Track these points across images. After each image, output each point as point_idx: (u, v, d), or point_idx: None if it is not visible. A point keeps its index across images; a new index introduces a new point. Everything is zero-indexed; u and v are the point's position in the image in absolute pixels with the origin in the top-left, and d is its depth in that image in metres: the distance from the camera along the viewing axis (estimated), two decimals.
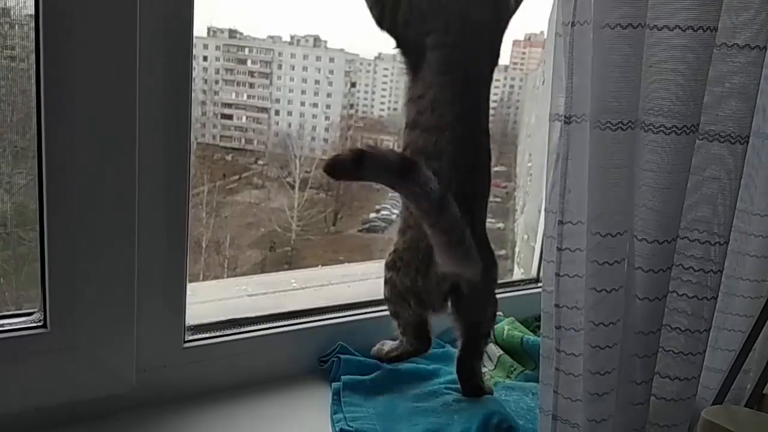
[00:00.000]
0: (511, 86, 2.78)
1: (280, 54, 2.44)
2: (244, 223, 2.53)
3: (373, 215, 3.21)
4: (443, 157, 0.95)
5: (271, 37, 2.43)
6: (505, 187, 3.46)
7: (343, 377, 1.00)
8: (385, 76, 2.63)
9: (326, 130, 2.61)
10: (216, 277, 2.15)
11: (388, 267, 1.00)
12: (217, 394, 0.98)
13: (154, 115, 0.87)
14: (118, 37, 0.81)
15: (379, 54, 2.63)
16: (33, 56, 1.49)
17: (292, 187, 2.65)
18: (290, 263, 2.78)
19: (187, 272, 0.93)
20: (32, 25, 1.49)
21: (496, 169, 3.21)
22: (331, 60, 2.49)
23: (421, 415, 0.96)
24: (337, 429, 0.91)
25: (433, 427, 0.93)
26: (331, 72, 2.50)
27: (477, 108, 0.99)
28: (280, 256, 2.69)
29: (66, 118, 0.81)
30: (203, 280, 1.86)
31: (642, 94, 0.73)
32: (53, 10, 0.77)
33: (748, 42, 0.73)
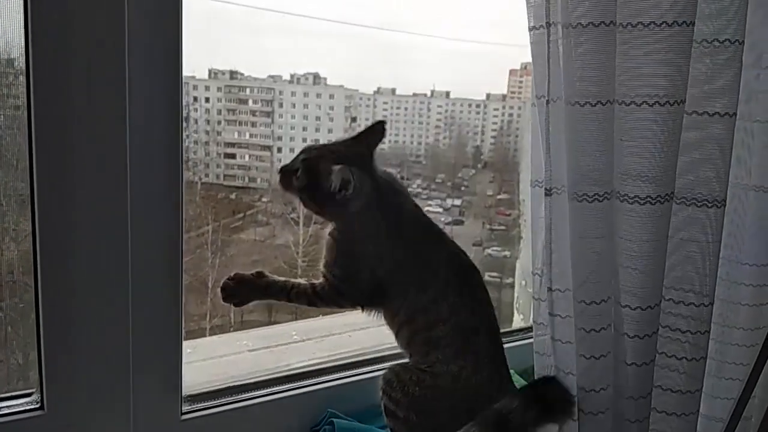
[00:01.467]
0: (510, 114, 2.81)
1: (280, 92, 2.49)
2: (250, 261, 2.56)
3: None
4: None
5: (272, 77, 2.48)
6: (509, 215, 3.48)
7: None
8: (385, 109, 2.66)
9: None
10: (222, 316, 2.17)
11: None
12: None
13: (147, 172, 0.85)
14: (108, 80, 0.80)
15: (378, 88, 2.67)
16: None
17: (297, 223, 2.68)
18: None
19: (182, 341, 0.93)
20: None
21: (499, 197, 3.23)
22: (331, 96, 2.54)
23: None
24: None
25: None
26: (332, 108, 2.54)
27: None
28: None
29: (61, 191, 0.81)
30: (210, 320, 1.89)
31: (616, 164, 0.75)
32: (43, 58, 0.77)
33: (718, 110, 0.75)
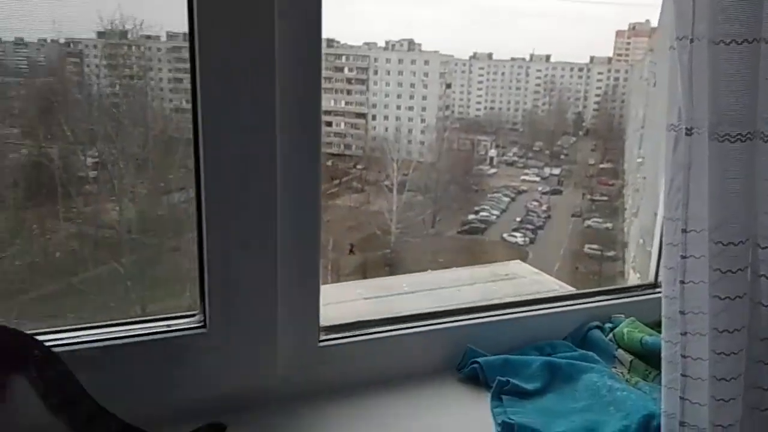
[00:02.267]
0: (616, 79, 2.66)
1: (375, 60, 2.49)
2: (345, 227, 2.59)
3: (472, 216, 3.18)
4: None
5: (367, 44, 2.48)
6: (612, 185, 3.32)
7: (498, 377, 1.02)
8: (481, 75, 2.61)
9: (422, 132, 2.62)
10: (322, 281, 2.21)
11: None
12: (353, 390, 1.04)
13: (291, 132, 0.90)
14: (258, 48, 0.85)
15: (474, 53, 2.61)
16: (150, 74, 1.61)
17: (391, 190, 2.69)
18: (391, 265, 2.81)
19: (320, 278, 0.99)
20: (148, 45, 1.61)
21: (602, 165, 3.09)
22: (426, 62, 2.51)
23: (578, 410, 0.96)
24: (499, 421, 0.93)
25: (590, 423, 0.93)
26: (426, 74, 2.52)
27: None
28: (380, 258, 2.73)
29: (220, 138, 0.88)
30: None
31: (760, 104, 0.69)
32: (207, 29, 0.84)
33: None
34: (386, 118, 2.53)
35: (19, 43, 1.35)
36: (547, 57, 2.69)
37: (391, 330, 1.09)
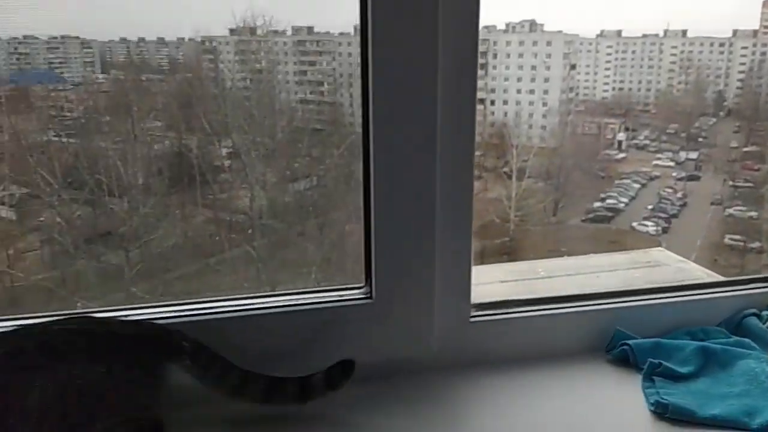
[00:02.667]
0: (763, 53, 2.40)
1: (495, 43, 2.43)
2: None
3: (597, 204, 3.04)
4: None
5: (486, 27, 2.43)
6: (757, 170, 3.01)
7: (650, 359, 1.00)
8: (609, 54, 2.46)
9: (544, 116, 2.53)
10: None
11: None
12: (501, 365, 1.09)
13: (448, 116, 0.97)
14: (423, 41, 0.94)
15: (602, 31, 2.47)
16: (278, 67, 1.68)
17: (510, 177, 2.63)
18: (509, 254, 2.76)
19: (471, 258, 1.06)
20: (275, 40, 1.69)
21: (745, 149, 2.81)
22: (548, 43, 2.41)
23: (735, 395, 0.94)
24: (652, 401, 0.94)
25: (748, 408, 0.90)
26: (549, 56, 2.42)
27: None
28: (498, 246, 2.69)
29: (387, 123, 0.95)
30: None
31: None
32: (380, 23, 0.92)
33: None
34: (505, 102, 2.47)
35: (160, 42, 1.46)
36: (684, 32, 2.48)
37: (538, 309, 1.13)
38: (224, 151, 1.56)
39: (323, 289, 1.08)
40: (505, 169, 2.64)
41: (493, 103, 2.50)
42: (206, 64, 1.53)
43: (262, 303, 1.04)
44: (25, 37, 1.34)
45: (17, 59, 1.38)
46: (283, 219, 1.60)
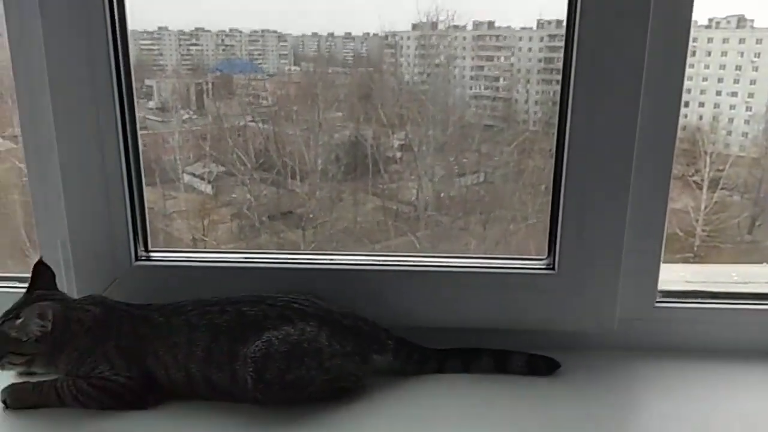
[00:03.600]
0: None
1: (695, 40, 2.22)
2: None
3: None
4: None
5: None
6: None
7: None
8: None
9: (746, 122, 2.27)
10: None
11: None
12: (683, 354, 1.09)
13: (649, 113, 0.99)
14: (631, 37, 0.96)
15: None
16: (455, 62, 1.70)
17: (699, 187, 2.40)
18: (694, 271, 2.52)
19: (663, 248, 1.07)
20: (455, 35, 1.70)
21: None
22: (758, 41, 2.15)
23: None
24: None
25: None
26: (757, 55, 2.16)
27: None
28: (679, 261, 2.47)
29: (588, 115, 1.00)
30: None
31: None
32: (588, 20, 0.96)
33: None
34: (702, 105, 2.26)
35: (347, 37, 1.54)
36: None
37: (728, 303, 1.11)
38: (397, 142, 1.62)
39: (505, 257, 1.14)
40: (695, 178, 2.41)
41: (687, 104, 2.29)
42: (387, 58, 1.59)
43: (446, 262, 1.12)
44: (230, 30, 1.50)
45: (223, 50, 1.55)
46: (447, 212, 1.62)
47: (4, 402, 1.00)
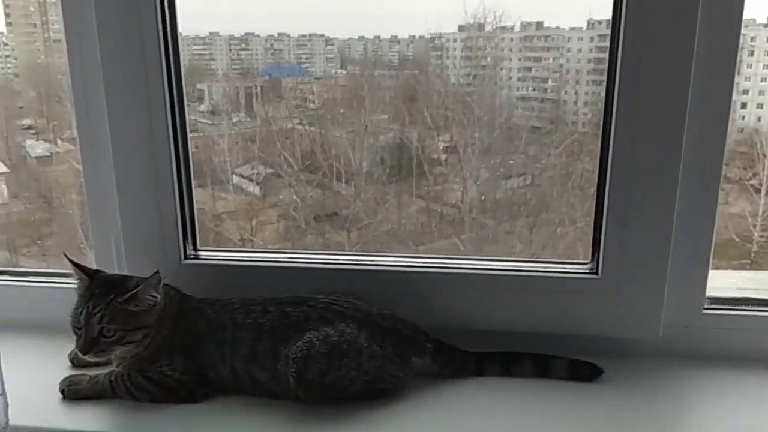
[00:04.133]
0: None
1: (752, 39, 2.14)
2: None
3: None
4: None
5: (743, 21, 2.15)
6: None
7: None
8: None
9: None
10: None
11: None
12: (731, 363, 1.06)
13: (698, 115, 0.98)
14: (679, 39, 0.95)
15: None
16: (502, 63, 1.69)
17: (758, 191, 2.31)
18: (751, 278, 2.43)
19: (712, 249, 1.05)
20: (502, 36, 1.69)
21: None
22: None
23: None
24: None
25: None
26: None
27: None
28: (735, 268, 2.38)
29: (633, 116, 0.99)
30: None
31: None
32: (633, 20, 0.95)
33: None
34: (760, 106, 2.18)
35: (393, 40, 1.55)
36: None
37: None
38: (442, 144, 1.62)
39: (547, 260, 1.13)
40: (753, 182, 2.32)
41: (744, 105, 2.21)
42: (433, 60, 1.59)
43: (489, 264, 1.12)
44: (279, 34, 1.53)
45: (272, 54, 1.58)
46: (493, 215, 1.61)
47: (62, 392, 1.04)
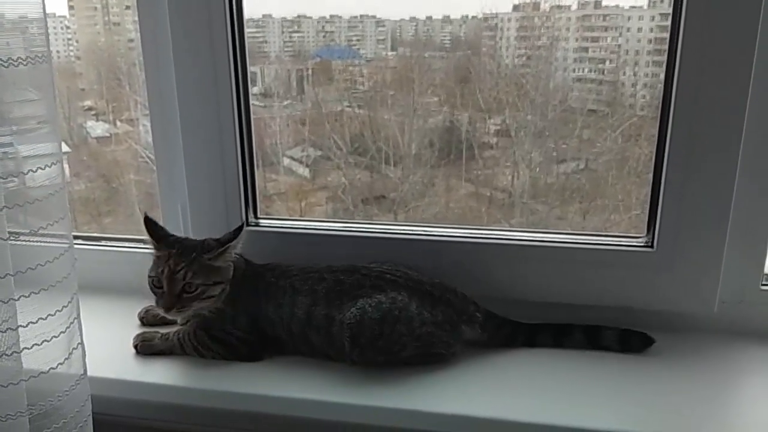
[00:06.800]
0: None
1: None
2: None
3: None
4: None
5: None
6: None
7: None
8: None
9: None
10: None
11: None
12: None
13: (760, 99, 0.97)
14: (742, 23, 0.93)
15: None
16: (557, 44, 1.64)
17: None
18: None
19: None
20: (558, 15, 1.63)
21: None
22: None
23: None
24: None
25: None
26: None
27: None
28: None
29: (693, 102, 0.98)
30: None
31: None
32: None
33: None
34: None
35: (446, 20, 1.52)
36: None
37: None
38: (493, 128, 1.58)
39: (602, 233, 1.14)
40: None
41: None
42: (486, 41, 1.55)
43: (542, 237, 1.13)
44: (331, 16, 1.53)
45: (323, 36, 1.57)
46: (544, 200, 1.57)
47: (135, 347, 1.11)
